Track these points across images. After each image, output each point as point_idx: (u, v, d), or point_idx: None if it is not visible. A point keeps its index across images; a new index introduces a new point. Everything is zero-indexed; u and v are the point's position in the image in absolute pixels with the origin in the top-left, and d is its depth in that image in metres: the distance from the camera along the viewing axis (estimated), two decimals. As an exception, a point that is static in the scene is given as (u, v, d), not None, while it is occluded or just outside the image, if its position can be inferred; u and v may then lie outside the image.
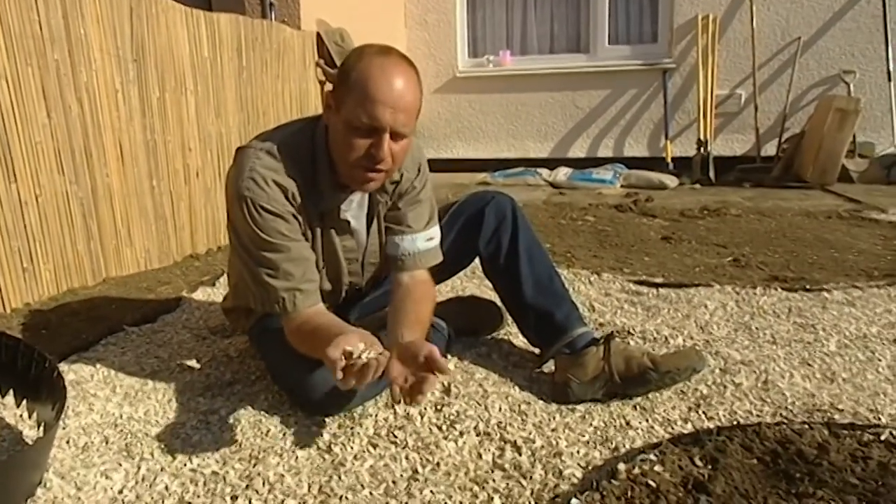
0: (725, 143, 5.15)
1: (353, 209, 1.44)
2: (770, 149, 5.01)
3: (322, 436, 1.32)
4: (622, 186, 4.74)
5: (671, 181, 4.73)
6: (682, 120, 5.21)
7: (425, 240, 1.48)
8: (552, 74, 5.40)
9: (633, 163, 5.15)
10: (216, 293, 2.29)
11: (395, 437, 1.30)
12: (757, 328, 1.83)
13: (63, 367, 1.66)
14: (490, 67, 5.55)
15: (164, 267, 2.66)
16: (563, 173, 4.93)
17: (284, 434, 1.33)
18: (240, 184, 1.29)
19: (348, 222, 1.44)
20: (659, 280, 2.34)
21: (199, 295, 2.28)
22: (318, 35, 3.83)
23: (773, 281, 2.31)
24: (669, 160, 5.10)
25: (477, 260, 1.68)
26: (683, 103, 5.19)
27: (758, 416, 1.34)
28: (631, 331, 1.82)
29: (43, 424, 1.26)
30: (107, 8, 2.30)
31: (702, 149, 4.95)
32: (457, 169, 5.44)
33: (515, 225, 1.60)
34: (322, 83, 3.88)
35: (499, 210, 1.61)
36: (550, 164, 5.27)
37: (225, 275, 2.42)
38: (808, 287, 2.18)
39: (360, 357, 1.07)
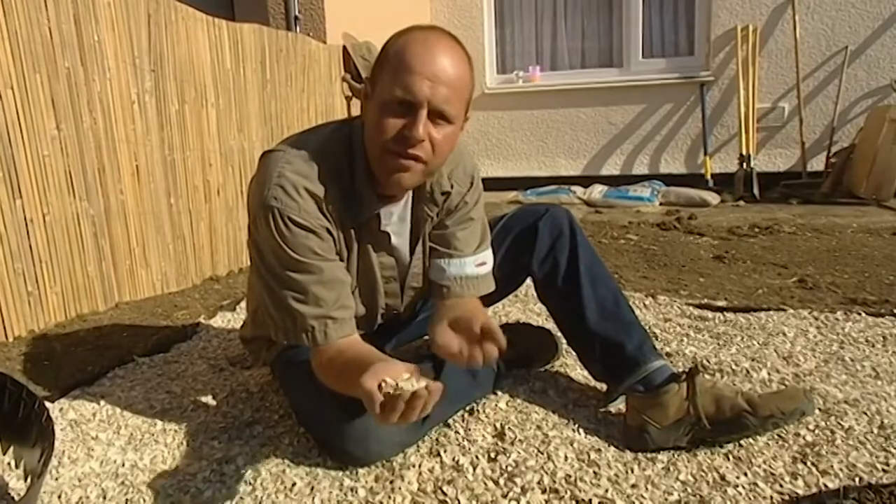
0: (768, 159, 4.90)
1: (395, 223, 1.24)
2: (816, 164, 4.74)
3: (357, 491, 1.11)
4: (661, 204, 4.51)
5: (713, 198, 4.48)
6: (722, 135, 4.98)
7: (475, 265, 1.28)
8: (584, 90, 5.21)
9: (670, 180, 4.92)
10: (237, 319, 2.11)
11: (444, 493, 1.09)
12: (851, 359, 1.59)
13: (64, 403, 1.48)
14: (519, 83, 5.38)
15: (181, 290, 2.49)
16: (597, 191, 4.71)
17: (312, 488, 1.12)
18: (266, 193, 1.10)
19: (388, 236, 1.24)
20: (722, 303, 2.11)
21: (219, 321, 2.10)
22: (345, 49, 3.70)
23: (851, 304, 2.06)
24: (709, 176, 4.87)
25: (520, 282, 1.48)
26: (723, 117, 4.96)
27: (884, 470, 1.10)
28: (705, 362, 1.59)
29: (30, 477, 1.07)
30: (122, 13, 2.16)
31: (744, 164, 4.71)
32: (486, 188, 5.12)
33: (574, 241, 1.39)
34: (349, 98, 3.74)
35: (554, 224, 1.40)
36: (583, 181, 5.05)
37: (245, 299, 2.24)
38: (896, 311, 1.94)
39: (403, 388, 0.86)
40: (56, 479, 1.17)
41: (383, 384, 0.87)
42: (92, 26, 2.04)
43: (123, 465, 1.22)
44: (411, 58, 1.03)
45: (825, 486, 1.06)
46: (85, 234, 2.07)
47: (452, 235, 1.28)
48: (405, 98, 1.03)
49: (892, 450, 1.16)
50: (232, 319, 2.11)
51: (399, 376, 0.89)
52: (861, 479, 1.07)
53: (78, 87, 2.01)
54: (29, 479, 1.08)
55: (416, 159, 1.07)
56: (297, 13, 3.70)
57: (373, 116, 1.08)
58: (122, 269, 2.22)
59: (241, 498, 1.10)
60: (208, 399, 1.51)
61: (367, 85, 1.12)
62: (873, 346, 1.68)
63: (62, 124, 1.96)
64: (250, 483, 1.15)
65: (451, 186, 1.25)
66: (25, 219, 1.87)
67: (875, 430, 1.22)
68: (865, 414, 1.28)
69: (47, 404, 1.29)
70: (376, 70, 1.09)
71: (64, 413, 1.42)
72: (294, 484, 1.14)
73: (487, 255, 1.32)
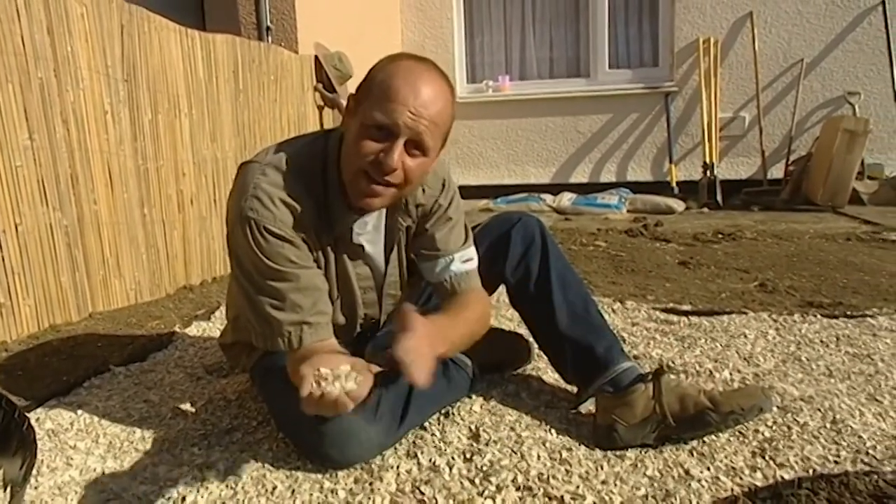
0: (730, 167, 5.06)
1: (369, 232, 1.28)
2: (776, 172, 4.92)
3: (337, 493, 1.14)
4: (629, 211, 4.62)
5: (678, 205, 4.61)
6: (686, 143, 5.12)
7: (461, 261, 1.33)
8: (552, 99, 5.32)
9: (636, 187, 5.05)
10: (212, 328, 2.12)
11: (422, 493, 1.13)
12: (807, 359, 1.67)
13: (40, 413, 1.48)
14: (489, 93, 5.46)
15: (155, 300, 2.48)
16: (567, 199, 4.81)
17: (293, 491, 1.15)
18: (242, 203, 1.13)
19: (362, 247, 1.28)
20: (687, 307, 2.19)
21: (194, 330, 2.10)
22: (316, 59, 3.72)
23: (808, 307, 2.16)
24: (674, 184, 5.00)
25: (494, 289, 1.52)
26: (687, 127, 5.11)
27: (835, 461, 1.17)
28: (670, 364, 1.66)
29: (10, 486, 1.08)
30: (96, 24, 2.17)
31: (708, 172, 4.85)
32: (457, 196, 5.29)
33: (545, 248, 1.45)
34: (321, 108, 3.76)
35: (526, 232, 1.46)
36: (552, 189, 5.15)
37: (222, 308, 2.25)
38: (849, 313, 2.03)
39: (332, 383, 0.94)
40: (35, 488, 1.18)
41: (317, 373, 0.94)
42: (65, 37, 2.04)
43: (104, 472, 1.23)
44: (397, 87, 1.07)
45: (782, 478, 1.12)
46: (58, 244, 2.06)
47: (433, 237, 1.32)
48: (385, 123, 1.08)
49: (843, 443, 1.23)
50: (207, 328, 2.12)
51: (337, 369, 0.95)
52: (814, 470, 1.14)
53: (51, 98, 2.01)
54: (9, 489, 1.09)
55: (387, 185, 1.12)
56: (268, 23, 3.72)
57: (353, 135, 1.12)
58: (95, 279, 2.21)
59: (224, 502, 1.12)
60: (186, 407, 1.52)
61: (352, 101, 1.16)
62: (828, 346, 1.76)
63: (35, 134, 1.96)
64: (232, 487, 1.17)
65: (423, 191, 1.29)
66: (-3, 229, 1.86)
67: (828, 426, 1.30)
68: (819, 410, 1.36)
69: (25, 414, 1.30)
70: (362, 90, 1.13)
71: (41, 423, 1.42)
72: (275, 487, 1.16)
73: (472, 252, 1.37)
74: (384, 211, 1.29)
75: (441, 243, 1.32)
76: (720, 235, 3.57)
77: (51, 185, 2.03)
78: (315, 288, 1.18)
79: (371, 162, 1.10)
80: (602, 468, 1.19)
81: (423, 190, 1.30)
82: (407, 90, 1.08)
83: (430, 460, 1.23)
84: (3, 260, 1.89)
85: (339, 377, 0.94)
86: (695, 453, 1.23)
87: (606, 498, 1.09)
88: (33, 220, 1.97)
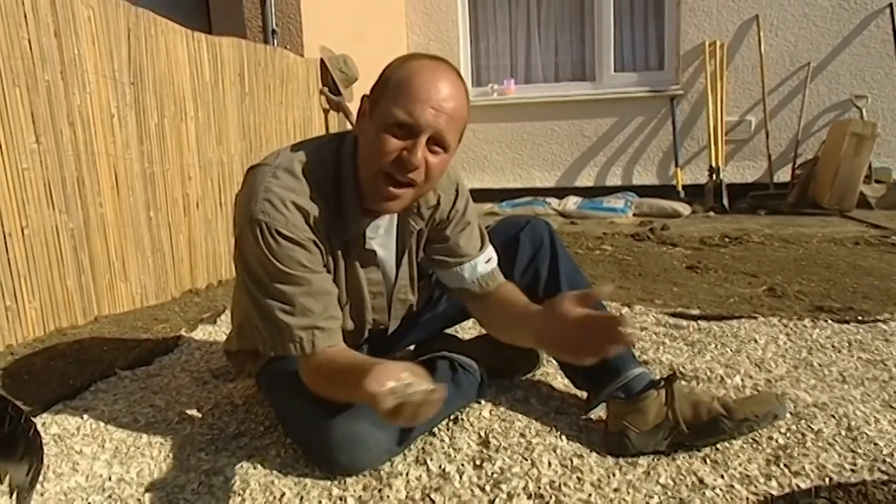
0: (737, 170, 5.03)
1: (381, 236, 1.27)
2: (783, 175, 4.89)
3: (346, 500, 1.13)
4: (634, 215, 4.60)
5: (684, 209, 4.59)
6: (692, 147, 5.10)
7: (485, 262, 1.33)
8: (557, 102, 5.30)
9: (642, 191, 5.02)
10: (218, 331, 2.11)
11: (433, 500, 1.11)
12: (819, 364, 1.65)
13: (46, 418, 1.47)
14: (494, 96, 5.45)
15: (161, 303, 2.47)
16: (572, 202, 4.79)
17: (301, 498, 1.14)
18: (253, 206, 1.12)
19: (374, 252, 1.27)
20: (696, 312, 2.17)
21: (200, 334, 2.09)
22: (322, 62, 3.72)
23: (818, 311, 2.14)
24: (680, 188, 4.98)
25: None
26: (692, 130, 5.08)
27: (852, 470, 1.15)
28: (681, 370, 1.64)
29: (17, 492, 1.07)
30: (102, 27, 2.16)
31: (714, 176, 4.83)
32: (462, 199, 5.29)
33: (554, 251, 1.44)
34: (326, 111, 3.76)
35: (535, 236, 1.45)
36: (557, 193, 5.13)
37: (228, 311, 2.24)
38: (860, 318, 2.01)
39: (412, 393, 0.87)
40: (42, 494, 1.17)
41: (389, 387, 0.88)
42: (72, 40, 2.04)
43: (110, 478, 1.22)
44: (418, 85, 1.07)
45: (798, 486, 1.11)
46: (64, 247, 2.05)
47: (456, 244, 1.32)
48: (407, 122, 1.07)
49: (859, 451, 1.21)
50: (213, 332, 2.11)
51: (399, 377, 0.89)
52: (831, 479, 1.13)
53: (58, 101, 2.00)
54: (16, 495, 1.08)
55: (409, 185, 1.11)
56: (274, 26, 3.71)
57: (371, 135, 1.11)
58: (101, 282, 2.21)
59: (232, 509, 1.11)
60: (193, 412, 1.51)
61: (367, 103, 1.15)
62: (839, 351, 1.75)
63: (41, 137, 1.95)
64: (239, 494, 1.16)
65: (438, 199, 1.28)
66: (4, 232, 1.85)
67: (843, 433, 1.28)
68: (833, 417, 1.34)
69: (31, 419, 1.29)
70: (378, 91, 1.12)
71: (47, 428, 1.41)
72: (283, 494, 1.15)
73: (491, 251, 1.37)
74: (395, 214, 1.28)
75: (464, 249, 1.32)
76: (727, 239, 3.55)
77: (57, 189, 2.02)
78: (326, 292, 1.17)
79: (394, 160, 1.09)
80: (614, 476, 1.18)
81: (439, 196, 1.29)
82: (428, 87, 1.07)
83: (440, 467, 1.22)
84: (9, 263, 1.88)
85: (410, 383, 0.89)
86: (708, 461, 1.21)
87: (619, 506, 1.08)
88: (39, 222, 1.97)
